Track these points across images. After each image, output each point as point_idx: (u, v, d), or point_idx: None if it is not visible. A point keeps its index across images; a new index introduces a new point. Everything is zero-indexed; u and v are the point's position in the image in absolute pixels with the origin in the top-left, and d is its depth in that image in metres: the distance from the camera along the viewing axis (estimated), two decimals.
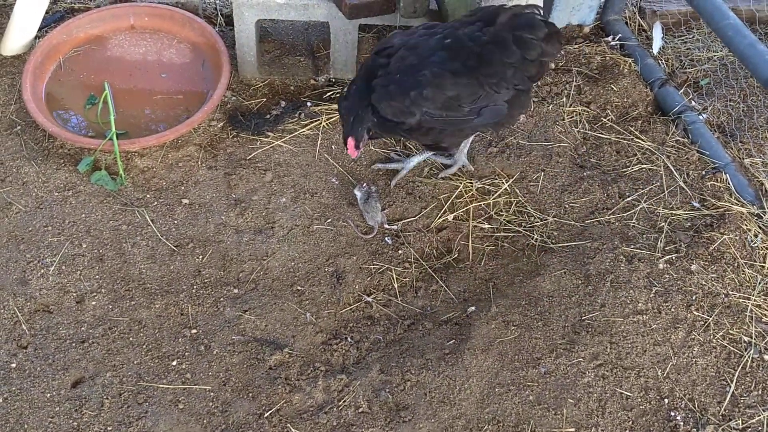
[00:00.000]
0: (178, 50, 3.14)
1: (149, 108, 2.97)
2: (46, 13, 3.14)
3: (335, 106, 3.05)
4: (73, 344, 2.29)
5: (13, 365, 2.23)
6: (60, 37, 3.04)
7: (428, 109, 2.38)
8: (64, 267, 2.47)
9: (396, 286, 2.54)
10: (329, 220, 2.69)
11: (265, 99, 3.12)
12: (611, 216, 2.70)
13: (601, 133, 2.99)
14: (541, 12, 2.40)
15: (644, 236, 2.62)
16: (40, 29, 3.15)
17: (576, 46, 3.33)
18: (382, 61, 2.45)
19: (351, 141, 2.51)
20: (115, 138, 2.66)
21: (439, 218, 2.70)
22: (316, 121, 2.99)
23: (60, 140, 2.80)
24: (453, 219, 2.71)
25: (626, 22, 3.49)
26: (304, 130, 2.96)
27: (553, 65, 3.24)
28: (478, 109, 2.41)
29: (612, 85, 3.13)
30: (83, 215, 2.62)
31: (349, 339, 2.39)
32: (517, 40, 2.31)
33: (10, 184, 2.68)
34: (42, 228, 2.56)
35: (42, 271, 2.45)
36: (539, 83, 3.14)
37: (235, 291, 2.48)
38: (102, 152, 2.74)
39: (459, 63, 2.33)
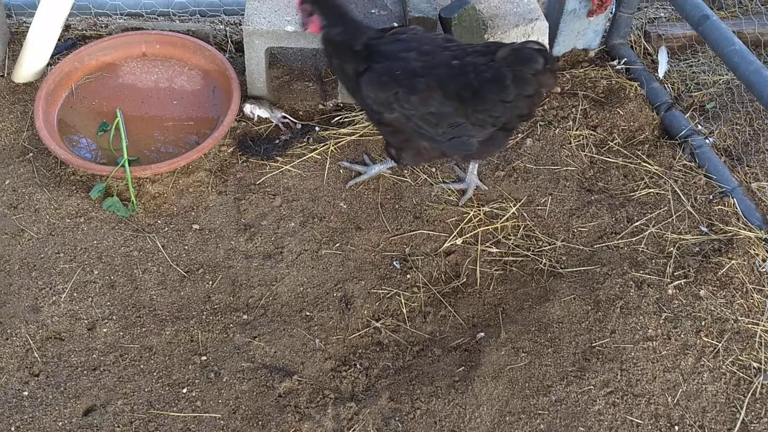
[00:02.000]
0: (189, 77, 3.18)
1: (161, 134, 3.00)
2: (58, 40, 3.19)
3: (343, 131, 3.08)
4: (85, 372, 2.30)
5: (25, 393, 2.24)
6: (72, 64, 3.08)
7: (407, 113, 2.40)
8: (75, 294, 2.49)
9: (405, 311, 2.55)
10: (337, 245, 2.70)
11: (273, 124, 3.15)
12: (620, 240, 2.71)
13: (609, 157, 3.01)
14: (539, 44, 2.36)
15: (653, 261, 2.63)
16: (52, 56, 3.19)
17: (582, 70, 3.35)
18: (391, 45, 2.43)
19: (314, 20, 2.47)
20: (127, 165, 2.69)
21: (447, 242, 2.71)
22: (324, 145, 3.02)
23: (72, 167, 2.83)
24: (461, 243, 2.72)
25: (631, 46, 3.51)
26: (312, 154, 2.99)
27: (559, 89, 3.27)
28: (450, 136, 2.44)
29: (618, 109, 3.15)
30: (95, 242, 2.64)
31: (358, 366, 2.39)
32: (516, 77, 2.27)
33: (22, 210, 2.71)
34: (54, 255, 2.59)
35: (54, 298, 2.47)
36: (544, 107, 3.17)
37: (245, 317, 2.50)
38: (114, 179, 2.76)
39: (455, 88, 2.34)
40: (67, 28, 3.42)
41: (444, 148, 2.51)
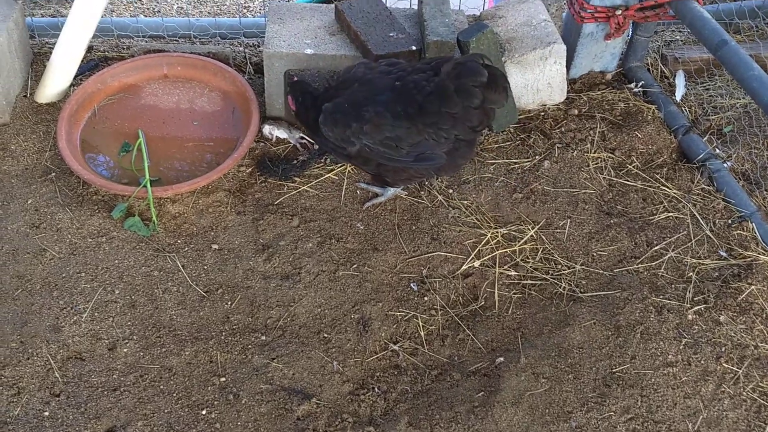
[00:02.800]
0: (209, 98, 3.22)
1: (181, 155, 3.03)
2: (81, 61, 3.23)
3: None
4: (105, 392, 2.31)
5: (46, 413, 2.25)
6: (95, 85, 3.13)
7: (367, 142, 2.52)
8: (96, 314, 2.50)
9: (422, 334, 2.54)
10: (355, 266, 2.71)
11: (292, 144, 3.17)
12: (640, 265, 2.70)
13: (627, 180, 3.01)
14: (484, 60, 2.45)
15: (673, 286, 2.61)
16: (74, 77, 3.24)
17: (599, 93, 3.37)
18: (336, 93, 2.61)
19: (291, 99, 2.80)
20: (149, 185, 2.72)
21: (465, 264, 2.72)
22: (341, 166, 3.04)
23: (94, 187, 2.86)
24: (479, 265, 2.72)
25: (648, 69, 3.52)
26: (329, 175, 3.01)
27: (576, 111, 3.28)
28: (416, 154, 2.53)
29: (636, 132, 3.15)
30: (116, 261, 2.66)
31: (376, 389, 2.38)
32: (459, 89, 2.38)
33: (44, 230, 2.74)
34: (75, 274, 2.61)
35: (75, 317, 2.48)
36: (562, 129, 3.18)
37: (263, 338, 2.50)
38: (135, 198, 2.79)
39: (401, 108, 2.45)
40: (89, 49, 3.46)
41: (414, 167, 2.60)
